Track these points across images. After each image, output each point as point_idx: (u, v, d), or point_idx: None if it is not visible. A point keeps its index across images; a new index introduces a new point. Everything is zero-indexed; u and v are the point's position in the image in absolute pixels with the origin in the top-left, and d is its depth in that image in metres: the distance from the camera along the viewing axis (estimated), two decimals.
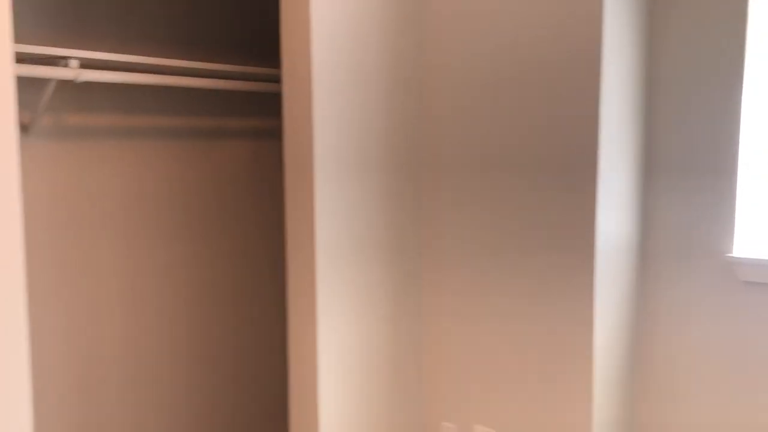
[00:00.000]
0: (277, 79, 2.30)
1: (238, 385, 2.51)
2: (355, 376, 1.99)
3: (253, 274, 2.51)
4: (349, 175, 1.91)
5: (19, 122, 1.89)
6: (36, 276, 1.96)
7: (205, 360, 2.40)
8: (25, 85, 1.86)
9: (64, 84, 1.94)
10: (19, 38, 1.81)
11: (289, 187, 1.90)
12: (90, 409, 2.11)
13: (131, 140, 2.14)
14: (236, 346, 2.49)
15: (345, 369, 1.96)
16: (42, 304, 1.98)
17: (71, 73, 1.76)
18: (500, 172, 1.98)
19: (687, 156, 1.97)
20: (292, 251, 1.91)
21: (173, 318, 2.29)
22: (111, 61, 1.90)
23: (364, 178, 1.95)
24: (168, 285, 2.27)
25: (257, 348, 2.56)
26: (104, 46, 2.02)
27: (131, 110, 2.13)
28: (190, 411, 2.37)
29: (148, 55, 2.08)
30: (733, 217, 1.92)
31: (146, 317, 2.22)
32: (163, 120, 2.21)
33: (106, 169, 2.09)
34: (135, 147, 2.15)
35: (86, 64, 1.88)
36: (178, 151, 2.26)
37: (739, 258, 1.90)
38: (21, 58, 1.76)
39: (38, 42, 1.88)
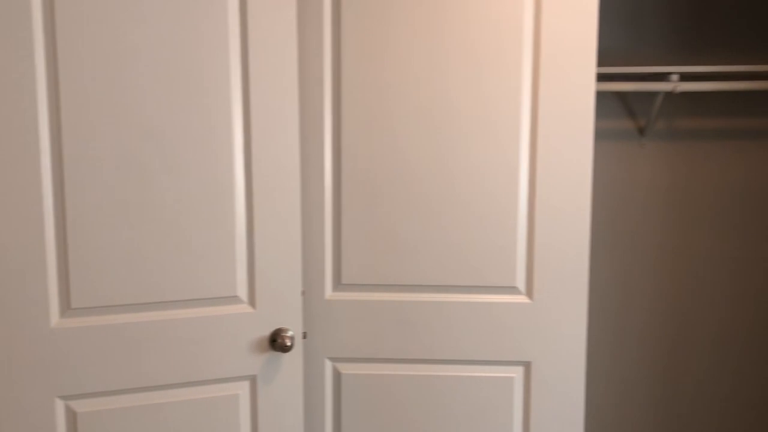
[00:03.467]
0: None
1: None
2: None
3: None
4: None
5: (636, 126, 2.39)
6: (647, 252, 2.43)
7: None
8: (640, 97, 2.34)
9: (675, 94, 2.32)
10: (634, 60, 2.30)
11: None
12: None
13: (735, 140, 2.36)
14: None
15: None
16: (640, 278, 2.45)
17: (669, 86, 2.14)
18: None
19: None
20: None
21: (744, 305, 2.42)
22: (716, 72, 2.19)
23: None
24: (746, 277, 2.41)
25: None
26: (716, 59, 2.31)
27: (736, 113, 2.35)
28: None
29: (744, 64, 2.25)
30: None
31: (734, 302, 2.42)
32: (763, 122, 2.35)
33: (710, 166, 2.38)
34: (738, 147, 2.36)
35: (689, 77, 2.23)
36: None
37: None
38: (632, 76, 2.24)
39: (654, 61, 2.33)
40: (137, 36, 1.50)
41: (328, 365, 1.84)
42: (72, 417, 1.55)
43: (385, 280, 1.81)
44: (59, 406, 1.54)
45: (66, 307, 1.52)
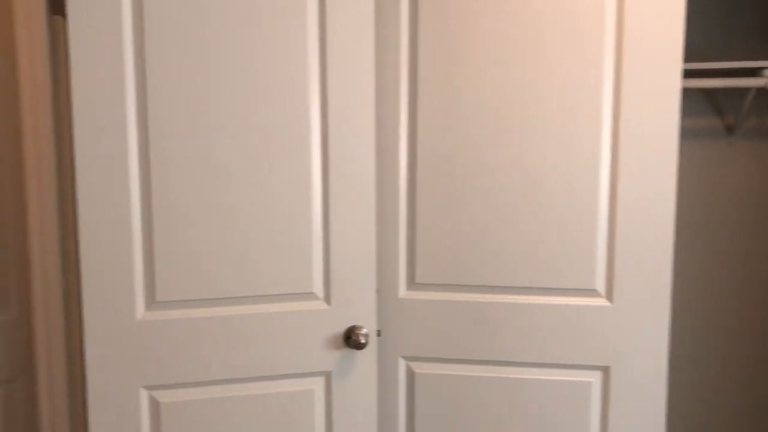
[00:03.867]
0: None
1: None
2: None
3: None
4: None
5: (724, 124, 2.28)
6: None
7: None
8: (728, 94, 2.24)
9: (767, 90, 2.21)
10: (722, 54, 2.20)
11: None
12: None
13: None
14: None
15: None
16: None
17: (762, 81, 2.04)
18: None
19: None
20: None
21: None
22: None
23: None
24: None
25: None
26: None
27: None
28: None
29: None
30: None
31: None
32: None
33: None
34: None
35: None
36: None
37: None
38: (720, 72, 2.15)
39: (744, 56, 2.22)
40: (219, 40, 1.54)
41: (402, 364, 1.84)
42: (155, 406, 1.61)
43: (459, 280, 1.80)
44: (143, 395, 1.60)
45: (151, 301, 1.58)
